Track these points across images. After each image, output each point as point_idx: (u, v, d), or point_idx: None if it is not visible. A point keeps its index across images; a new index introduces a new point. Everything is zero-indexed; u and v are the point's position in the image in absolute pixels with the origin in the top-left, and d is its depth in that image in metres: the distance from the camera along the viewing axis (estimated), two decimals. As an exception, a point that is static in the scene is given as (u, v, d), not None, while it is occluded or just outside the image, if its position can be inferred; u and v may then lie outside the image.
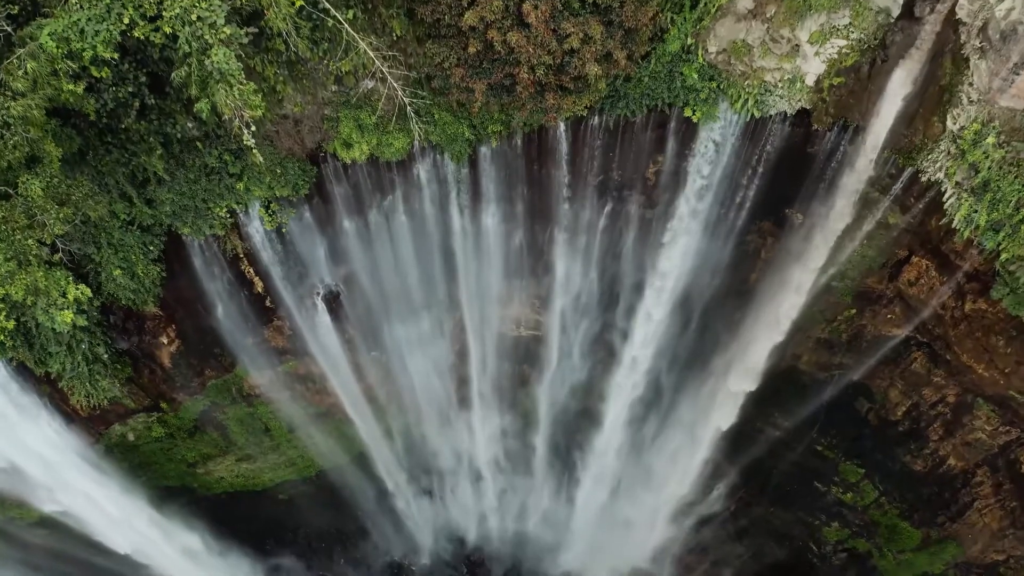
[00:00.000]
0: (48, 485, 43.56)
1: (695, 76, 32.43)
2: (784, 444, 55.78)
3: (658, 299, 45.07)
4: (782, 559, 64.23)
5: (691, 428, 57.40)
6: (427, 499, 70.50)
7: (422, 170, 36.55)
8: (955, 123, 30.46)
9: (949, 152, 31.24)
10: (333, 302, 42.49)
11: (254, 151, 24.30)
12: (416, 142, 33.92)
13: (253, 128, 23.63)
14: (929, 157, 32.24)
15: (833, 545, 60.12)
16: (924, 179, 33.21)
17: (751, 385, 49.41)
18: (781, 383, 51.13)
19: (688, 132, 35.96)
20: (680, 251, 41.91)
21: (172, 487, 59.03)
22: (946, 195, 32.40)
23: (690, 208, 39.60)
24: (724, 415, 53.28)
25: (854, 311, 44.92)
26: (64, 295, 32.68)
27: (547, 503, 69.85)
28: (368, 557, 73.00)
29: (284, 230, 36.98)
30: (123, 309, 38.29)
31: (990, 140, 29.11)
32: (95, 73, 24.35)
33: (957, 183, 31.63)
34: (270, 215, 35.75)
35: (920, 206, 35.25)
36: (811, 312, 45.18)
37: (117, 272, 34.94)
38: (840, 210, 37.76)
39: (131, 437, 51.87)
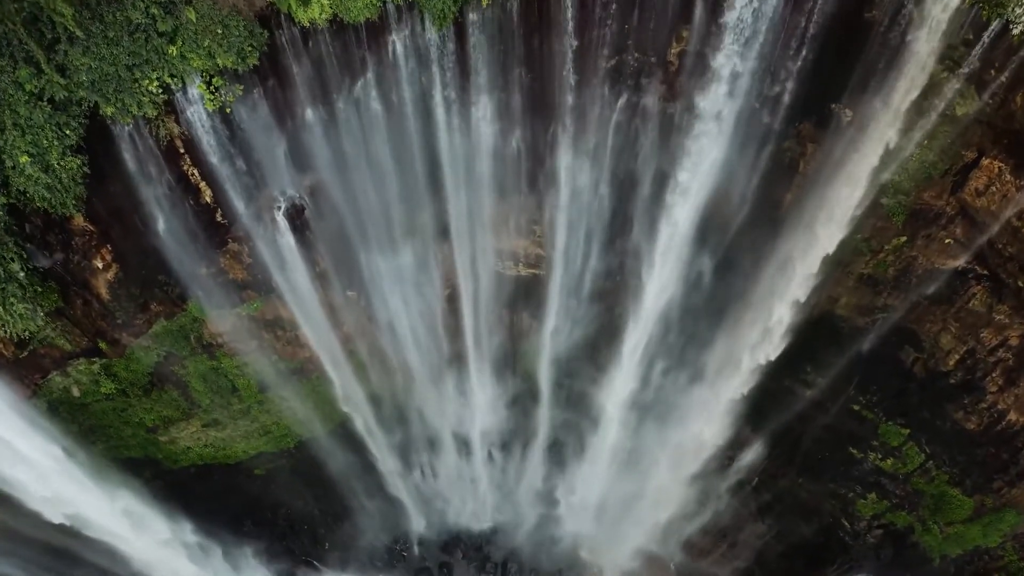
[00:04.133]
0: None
1: (734, -97, 26.06)
2: (816, 405, 49.91)
3: (679, 223, 38.67)
4: (809, 538, 58.06)
5: (711, 396, 50.74)
6: (419, 475, 64.27)
7: (398, 42, 30.38)
8: (1063, -53, 24.17)
9: (1053, -12, 24.94)
10: (297, 218, 36.06)
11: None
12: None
13: None
14: (1025, 1, 25.96)
15: (868, 521, 54.15)
16: (1016, 33, 26.93)
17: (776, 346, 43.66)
18: (814, 332, 45.41)
19: (721, -7, 29.61)
20: (706, 158, 35.58)
21: (134, 459, 52.78)
22: (1046, 49, 26.08)
23: (719, 100, 33.37)
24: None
25: (904, 239, 39.03)
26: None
27: (551, 478, 63.51)
28: (356, 540, 67.34)
29: (230, 112, 30.57)
30: (41, 215, 31.83)
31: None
32: None
33: (1062, 30, 25.34)
34: (212, 92, 29.31)
35: (1003, 77, 29.19)
36: (853, 241, 39.24)
37: (24, 159, 28.62)
38: (899, 99, 31.54)
39: (76, 392, 45.55)
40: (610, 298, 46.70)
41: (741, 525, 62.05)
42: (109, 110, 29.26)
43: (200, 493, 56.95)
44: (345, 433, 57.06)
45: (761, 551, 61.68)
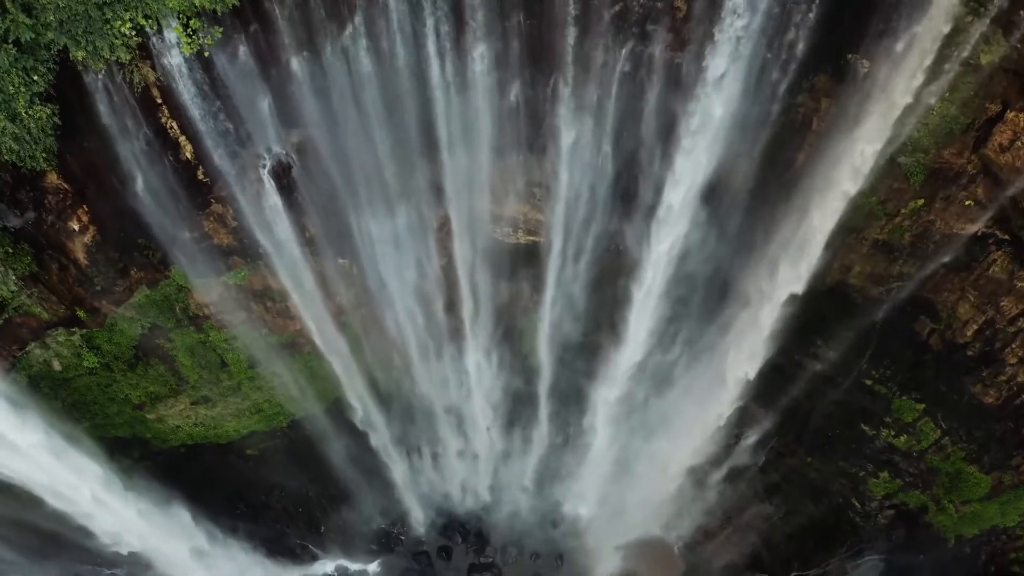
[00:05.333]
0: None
1: None
2: (826, 380, 48.59)
3: (685, 182, 36.85)
4: (818, 519, 56.53)
5: (715, 376, 48.84)
6: (416, 456, 62.76)
7: (388, -17, 28.32)
8: None
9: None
10: (284, 178, 34.18)
11: None
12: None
13: None
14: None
15: (880, 500, 52.78)
16: (1052, -35, 25.00)
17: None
18: (825, 303, 43.87)
19: (732, -73, 27.71)
20: (714, 113, 33.70)
21: (121, 438, 51.14)
22: (1085, -21, 24.18)
23: (729, 50, 31.33)
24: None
25: (922, 201, 37.26)
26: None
27: (553, 458, 61.83)
28: (353, 524, 65.78)
29: (208, 56, 28.66)
30: (9, 170, 29.98)
31: None
32: None
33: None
34: (189, 35, 27.39)
35: (1035, 17, 27.01)
36: (868, 204, 37.47)
37: (-12, 107, 26.65)
38: (921, 47, 29.55)
39: (57, 366, 43.87)
40: (614, 266, 44.85)
41: (747, 506, 60.57)
42: (80, 54, 27.42)
43: (191, 474, 55.34)
44: (339, 410, 55.45)
45: (768, 533, 60.33)
